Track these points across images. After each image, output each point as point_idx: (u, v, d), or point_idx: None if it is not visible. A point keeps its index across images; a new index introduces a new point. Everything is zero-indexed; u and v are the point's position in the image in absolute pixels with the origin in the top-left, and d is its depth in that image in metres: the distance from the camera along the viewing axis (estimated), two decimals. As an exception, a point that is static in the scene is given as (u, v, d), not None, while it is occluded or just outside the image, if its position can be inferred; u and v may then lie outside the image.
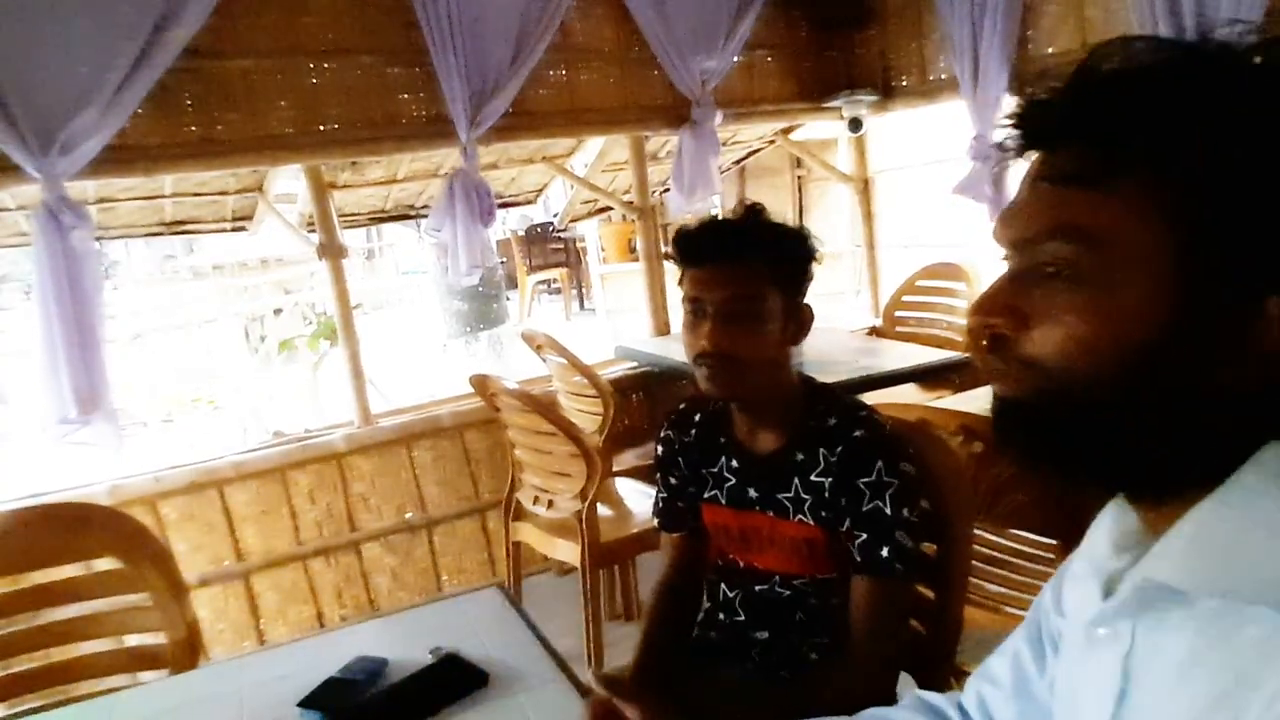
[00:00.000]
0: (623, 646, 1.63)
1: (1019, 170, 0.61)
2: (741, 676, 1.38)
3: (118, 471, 2.75)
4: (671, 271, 1.40)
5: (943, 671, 1.36)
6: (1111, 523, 0.65)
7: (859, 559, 1.25)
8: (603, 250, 7.73)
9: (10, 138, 2.24)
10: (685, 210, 3.46)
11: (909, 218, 5.32)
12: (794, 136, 4.37)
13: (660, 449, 1.49)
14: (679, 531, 1.49)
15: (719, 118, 3.35)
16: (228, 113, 2.62)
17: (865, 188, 4.05)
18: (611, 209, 4.52)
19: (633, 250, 6.28)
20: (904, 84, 3.59)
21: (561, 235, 9.36)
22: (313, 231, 3.02)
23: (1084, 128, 0.55)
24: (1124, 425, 0.55)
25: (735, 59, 3.38)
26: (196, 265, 11.07)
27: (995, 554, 1.94)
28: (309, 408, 6.07)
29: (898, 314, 3.69)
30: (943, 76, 3.40)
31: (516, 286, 9.42)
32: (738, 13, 3.28)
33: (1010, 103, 0.61)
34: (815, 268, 1.34)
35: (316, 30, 2.73)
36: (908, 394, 2.96)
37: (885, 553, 1.23)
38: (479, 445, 3.20)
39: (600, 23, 3.20)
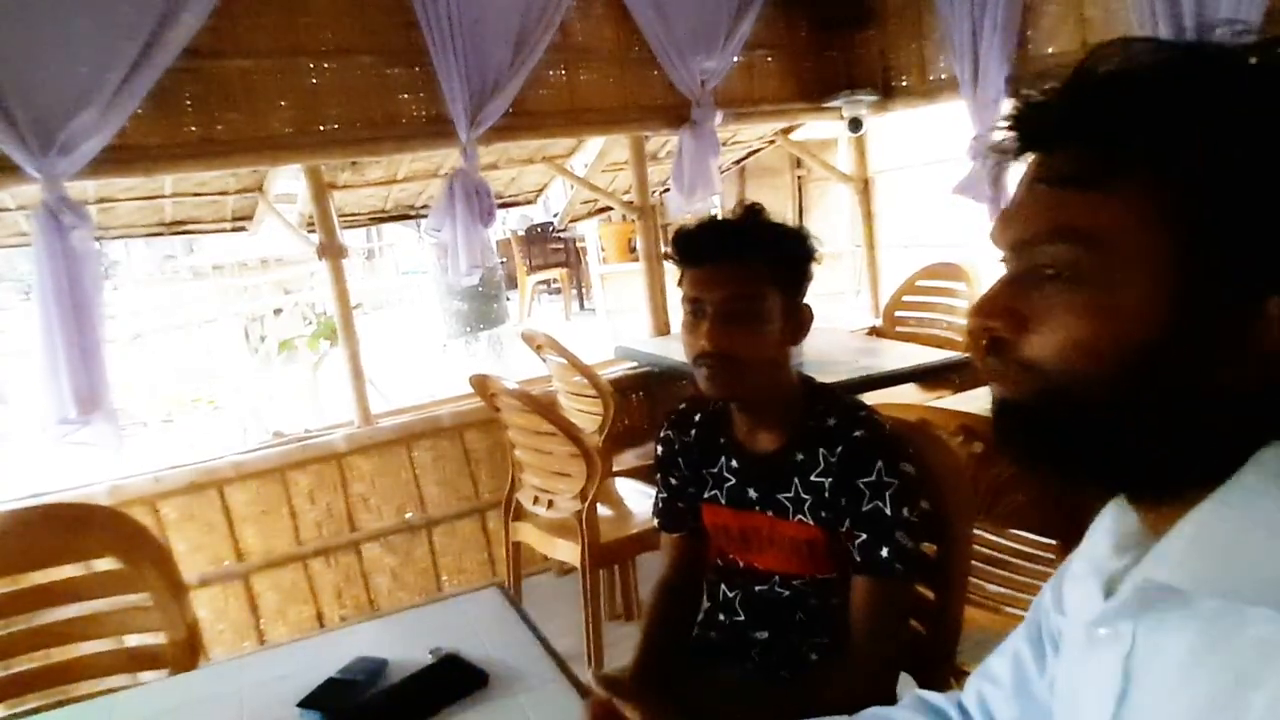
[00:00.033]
0: (623, 646, 1.63)
1: (1019, 170, 0.61)
2: (741, 676, 1.38)
3: (118, 471, 2.75)
4: (671, 271, 1.40)
5: (943, 671, 1.36)
6: (1112, 523, 0.65)
7: (859, 559, 1.25)
8: (603, 250, 7.74)
9: (10, 138, 2.24)
10: (685, 210, 3.46)
11: (909, 218, 5.32)
12: (794, 136, 4.37)
13: (660, 449, 1.49)
14: (679, 532, 1.49)
15: (719, 118, 3.35)
16: (228, 113, 2.62)
17: (865, 188, 4.05)
18: (611, 209, 4.52)
19: (633, 250, 6.28)
20: (904, 84, 3.59)
21: (561, 235, 9.36)
22: (313, 231, 3.02)
23: (1083, 129, 0.55)
24: (1124, 426, 0.55)
25: (735, 59, 3.38)
26: (196, 265, 11.07)
27: (995, 554, 1.94)
28: (309, 408, 6.07)
29: (898, 314, 3.69)
30: (943, 76, 3.40)
31: (516, 286, 9.43)
32: (738, 13, 3.28)
33: (1010, 103, 0.61)
34: (815, 268, 1.34)
35: (316, 30, 2.73)
36: (908, 394, 2.97)
37: (885, 553, 1.23)
38: (479, 445, 3.20)
39: (600, 23, 3.20)
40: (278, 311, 9.15)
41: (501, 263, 9.15)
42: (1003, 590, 1.86)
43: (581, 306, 9.77)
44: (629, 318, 5.63)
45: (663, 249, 3.53)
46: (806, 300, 1.35)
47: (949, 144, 4.06)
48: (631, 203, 3.60)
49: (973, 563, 1.62)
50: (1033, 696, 0.79)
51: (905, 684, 1.30)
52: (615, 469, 2.92)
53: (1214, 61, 0.53)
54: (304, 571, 2.97)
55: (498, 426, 2.80)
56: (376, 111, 2.82)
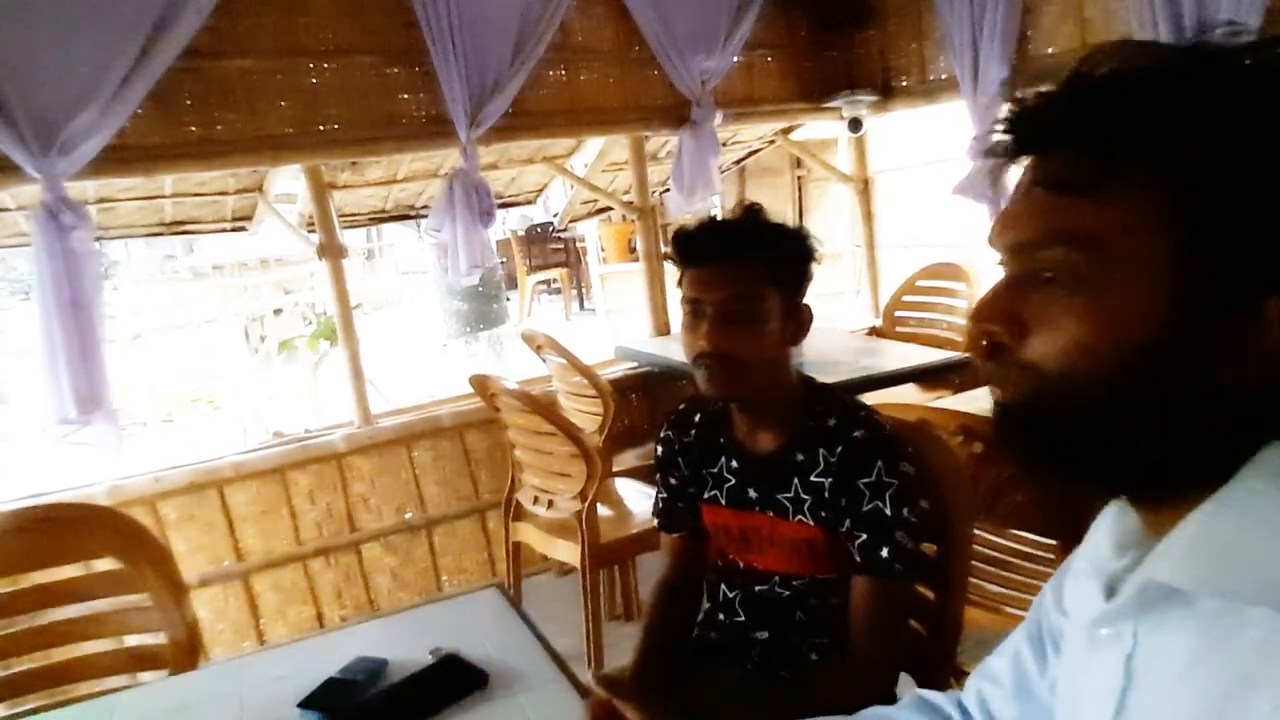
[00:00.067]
0: (623, 646, 1.62)
1: (1018, 170, 0.61)
2: (741, 677, 1.38)
3: (118, 471, 2.75)
4: (671, 272, 1.40)
5: (943, 671, 1.36)
6: (1113, 523, 0.65)
7: (859, 559, 1.25)
8: (603, 250, 7.74)
9: (10, 138, 2.23)
10: (685, 210, 3.46)
11: (909, 218, 5.32)
12: (794, 136, 4.37)
13: (660, 449, 1.49)
14: (679, 532, 1.49)
15: (719, 118, 3.35)
16: (228, 113, 2.62)
17: (865, 188, 4.05)
18: (611, 209, 4.52)
19: (633, 250, 6.28)
20: (904, 84, 3.59)
21: (561, 235, 9.36)
22: (313, 231, 3.02)
23: (1081, 130, 0.55)
24: (1125, 427, 0.55)
25: (735, 59, 3.38)
26: (196, 265, 11.07)
27: (995, 554, 1.94)
28: (309, 408, 6.07)
29: (898, 314, 3.69)
30: (943, 76, 3.40)
31: (516, 286, 9.43)
32: (737, 13, 3.28)
33: (1006, 105, 0.61)
34: (815, 268, 1.34)
35: (316, 30, 2.73)
36: (908, 394, 2.97)
37: (885, 553, 1.23)
38: (479, 445, 3.20)
39: (600, 23, 3.20)
40: (278, 311, 9.16)
41: (501, 263, 9.15)
42: (1003, 590, 1.86)
43: (581, 306, 9.77)
44: (629, 318, 5.63)
45: (662, 249, 3.54)
46: (806, 300, 1.35)
47: (949, 144, 4.06)
48: (631, 203, 3.60)
49: (973, 563, 1.62)
50: (1033, 696, 0.79)
51: (905, 684, 1.30)
52: (615, 469, 2.92)
53: (1213, 62, 0.53)
54: (304, 571, 2.97)
55: (498, 426, 2.80)
56: (376, 111, 2.82)
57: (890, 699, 1.22)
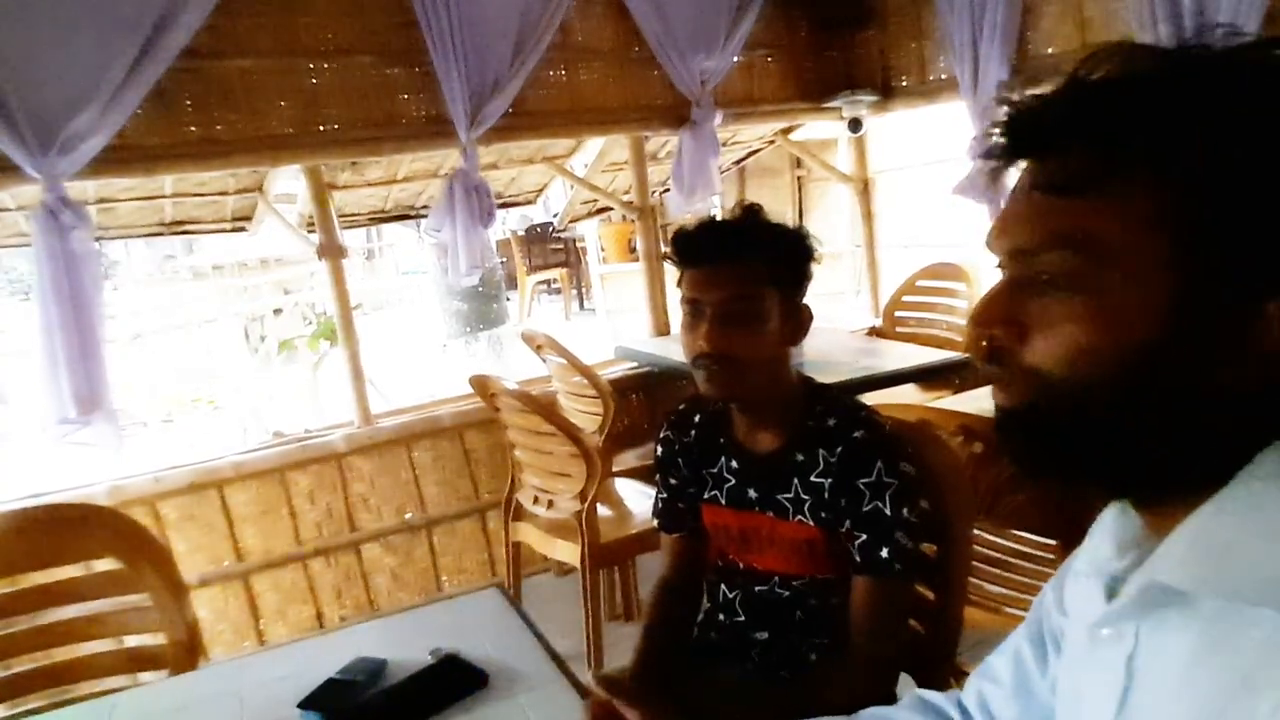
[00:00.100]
0: (623, 646, 1.62)
1: (1018, 170, 0.61)
2: (741, 677, 1.38)
3: (118, 471, 2.75)
4: (671, 272, 1.40)
5: (943, 671, 1.36)
6: (1113, 524, 0.65)
7: (859, 559, 1.25)
8: (603, 250, 7.73)
9: (10, 138, 2.23)
10: (685, 210, 3.46)
11: (909, 218, 5.32)
12: (794, 136, 4.37)
13: (660, 449, 1.49)
14: (679, 532, 1.49)
15: (719, 118, 3.35)
16: (228, 113, 2.62)
17: (865, 188, 4.05)
18: (611, 209, 4.52)
19: (633, 250, 6.28)
20: (904, 84, 3.59)
21: (561, 235, 9.36)
22: (313, 231, 3.02)
23: (1081, 131, 0.55)
24: (1126, 428, 0.55)
25: (735, 59, 3.38)
26: (196, 265, 11.08)
27: (995, 554, 1.94)
28: (309, 408, 6.07)
29: (898, 314, 3.69)
30: (943, 76, 3.40)
31: (516, 286, 9.43)
32: (737, 13, 3.28)
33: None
34: (815, 268, 1.34)
35: (316, 30, 2.73)
36: (908, 394, 2.97)
37: (885, 553, 1.23)
38: (479, 445, 3.20)
39: (600, 23, 3.20)
40: (278, 311, 9.16)
41: (501, 263, 9.15)
42: (1003, 590, 1.86)
43: (581, 306, 9.77)
44: (629, 318, 5.63)
45: (662, 249, 3.54)
46: (806, 300, 1.35)
47: (949, 144, 4.06)
48: (631, 203, 3.60)
49: (973, 563, 1.62)
50: (1034, 696, 0.79)
51: (905, 684, 1.30)
52: (615, 469, 2.92)
53: (1213, 62, 0.53)
54: (304, 572, 2.97)
55: (498, 427, 2.80)
56: (376, 111, 2.82)
57: (890, 699, 1.22)
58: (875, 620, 1.25)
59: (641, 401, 3.44)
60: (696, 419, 1.45)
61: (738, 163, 4.81)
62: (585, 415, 2.95)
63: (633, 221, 3.86)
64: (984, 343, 0.59)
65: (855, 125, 3.67)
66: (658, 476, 1.51)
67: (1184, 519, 0.55)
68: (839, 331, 3.61)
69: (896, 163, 5.02)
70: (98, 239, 2.80)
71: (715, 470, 1.41)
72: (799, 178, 6.76)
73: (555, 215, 7.12)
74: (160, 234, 3.52)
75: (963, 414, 1.73)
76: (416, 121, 2.89)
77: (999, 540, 1.94)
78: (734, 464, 1.38)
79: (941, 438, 1.47)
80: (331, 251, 2.92)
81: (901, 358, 2.89)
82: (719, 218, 1.38)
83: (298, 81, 2.71)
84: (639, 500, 2.68)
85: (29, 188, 2.38)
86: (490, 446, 3.18)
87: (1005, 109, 0.58)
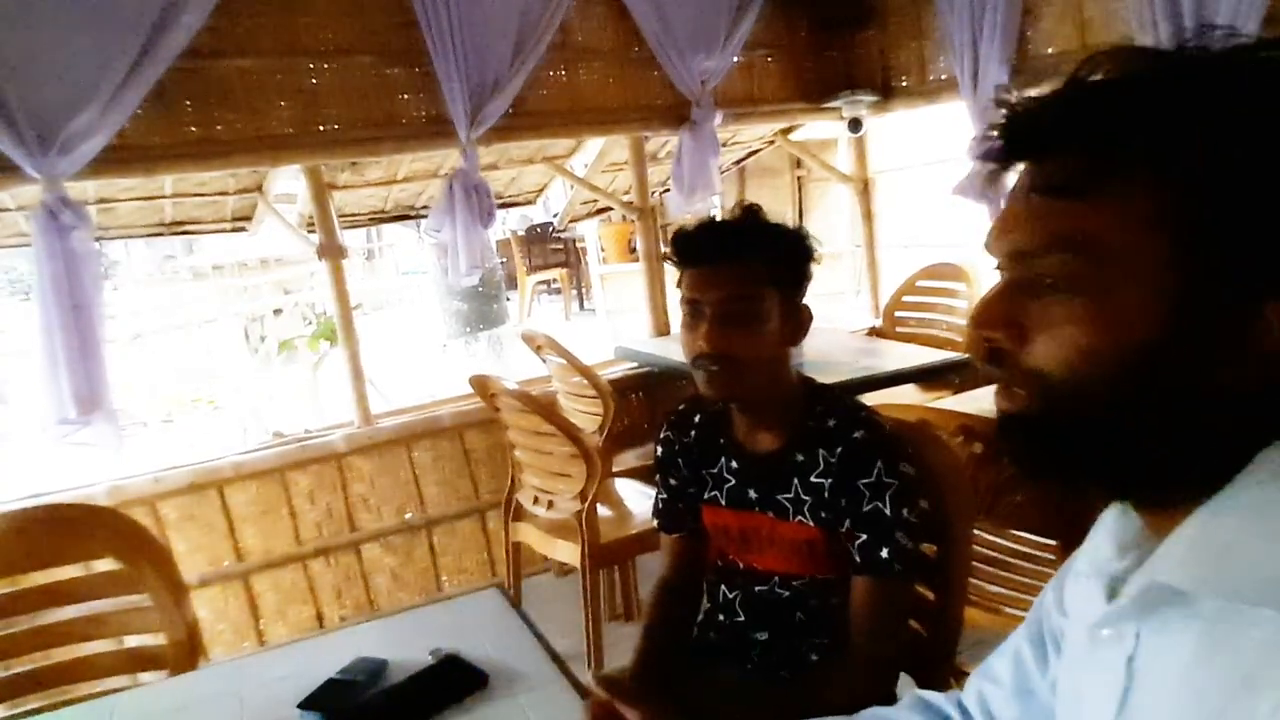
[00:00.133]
0: (623, 647, 1.62)
1: (1018, 170, 0.61)
2: (741, 677, 1.38)
3: (118, 472, 2.75)
4: (671, 272, 1.40)
5: (943, 672, 1.36)
6: (1114, 524, 0.65)
7: (859, 560, 1.25)
8: (602, 250, 7.73)
9: (10, 138, 2.23)
10: (685, 210, 3.46)
11: (909, 218, 5.32)
12: (794, 137, 4.37)
13: (660, 450, 1.49)
14: (679, 532, 1.49)
15: (719, 118, 3.35)
16: (228, 113, 2.62)
17: (865, 188, 4.05)
18: (611, 209, 4.52)
19: (632, 250, 6.28)
20: (904, 84, 3.59)
21: (561, 235, 9.36)
22: (313, 232, 3.02)
23: (1080, 132, 0.55)
24: (1126, 429, 0.55)
25: (735, 59, 3.38)
26: (196, 265, 11.08)
27: (995, 554, 1.94)
28: (309, 408, 6.07)
29: (898, 314, 3.69)
30: (943, 77, 3.40)
31: (516, 287, 9.43)
32: (737, 13, 3.27)
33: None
34: (815, 268, 1.34)
35: (316, 30, 2.73)
36: (908, 394, 2.97)
37: (885, 553, 1.23)
38: (479, 445, 3.20)
39: (600, 23, 3.20)
40: (278, 311, 9.16)
41: (501, 263, 9.15)
42: (1003, 590, 1.86)
43: (581, 307, 9.77)
44: (629, 318, 5.63)
45: (662, 249, 3.54)
46: (806, 300, 1.35)
47: (949, 144, 4.06)
48: (631, 203, 3.60)
49: (973, 563, 1.62)
50: (1034, 696, 0.79)
51: (905, 684, 1.30)
52: (615, 469, 2.92)
53: (1212, 63, 0.53)
54: (304, 572, 2.97)
55: (498, 427, 2.80)
56: (376, 111, 2.82)
57: (890, 699, 1.22)
58: (875, 620, 1.25)
59: (641, 401, 3.44)
60: (696, 419, 1.45)
61: (738, 163, 4.81)
62: (585, 415, 2.95)
63: (633, 221, 3.86)
64: (984, 344, 0.59)
65: (855, 125, 3.67)
66: (658, 477, 1.51)
67: (1184, 519, 0.55)
68: (839, 331, 3.61)
69: (896, 163, 5.02)
70: (98, 239, 2.80)
71: (715, 470, 1.41)
72: (799, 178, 6.77)
73: (555, 215, 7.12)
74: (160, 234, 3.52)
75: (963, 414, 1.73)
76: (416, 121, 2.89)
77: (999, 540, 1.94)
78: (734, 464, 1.38)
79: (941, 438, 1.47)
80: (331, 252, 2.92)
81: (901, 358, 2.89)
82: (719, 218, 1.38)
83: (298, 81, 2.71)
84: (639, 500, 2.68)
85: (29, 188, 2.38)
86: (490, 446, 3.18)
87: (1003, 111, 0.58)
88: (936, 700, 0.90)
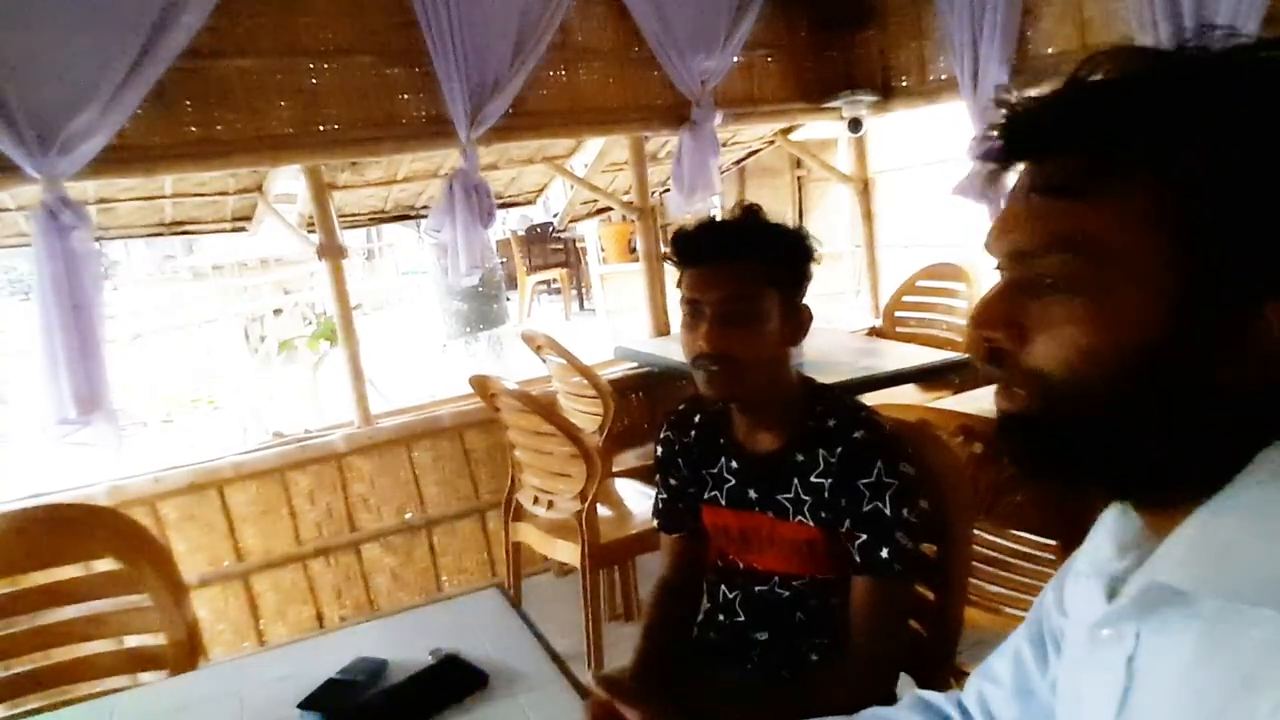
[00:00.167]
0: (623, 647, 1.62)
1: (1018, 169, 0.61)
2: (741, 677, 1.38)
3: (117, 472, 2.75)
4: (671, 272, 1.40)
5: (943, 672, 1.36)
6: (1114, 525, 0.65)
7: (859, 560, 1.25)
8: (602, 250, 7.73)
9: (10, 138, 2.23)
10: (685, 210, 3.46)
11: (909, 218, 5.32)
12: (794, 137, 4.37)
13: (660, 450, 1.49)
14: (679, 533, 1.49)
15: (719, 118, 3.35)
16: (228, 113, 2.62)
17: (865, 188, 4.05)
18: (611, 209, 4.52)
19: (633, 250, 6.28)
20: (904, 84, 3.59)
21: (561, 235, 9.36)
22: (313, 232, 3.02)
23: (1080, 132, 0.55)
24: (1126, 428, 0.55)
25: (735, 59, 3.38)
26: (196, 265, 11.08)
27: (995, 554, 1.94)
28: (309, 408, 6.07)
29: (898, 314, 3.69)
30: (943, 77, 3.40)
31: (516, 287, 9.43)
32: (737, 13, 3.28)
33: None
34: (815, 268, 1.34)
35: (316, 30, 2.73)
36: (908, 394, 2.96)
37: (885, 553, 1.23)
38: (479, 445, 3.20)
39: (600, 23, 3.20)
40: (278, 311, 9.16)
41: (501, 263, 9.15)
42: (1003, 590, 1.86)
43: (581, 307, 9.77)
44: (629, 318, 5.63)
45: (662, 249, 3.54)
46: (806, 300, 1.35)
47: (949, 144, 4.06)
48: (631, 203, 3.60)
49: (973, 563, 1.62)
50: (1034, 697, 0.79)
51: (905, 684, 1.30)
52: (615, 469, 2.92)
53: (1212, 63, 0.53)
54: (304, 572, 2.97)
55: (498, 427, 2.80)
56: (376, 111, 2.82)
57: (890, 699, 1.22)
58: (875, 620, 1.25)
59: (641, 401, 3.44)
60: (696, 419, 1.45)
61: (738, 163, 4.81)
62: (585, 415, 2.95)
63: (633, 221, 3.86)
64: (984, 344, 0.59)
65: (855, 125, 3.67)
66: (658, 477, 1.51)
67: (1184, 519, 0.55)
68: (839, 331, 3.61)
69: (896, 163, 5.02)
70: (98, 239, 2.80)
71: (715, 470, 1.41)
72: (799, 178, 6.77)
73: (555, 215, 7.12)
74: (160, 234, 3.52)
75: (963, 414, 1.73)
76: (416, 121, 2.89)
77: (999, 540, 1.94)
78: (734, 464, 1.38)
79: (941, 438, 1.47)
80: (331, 252, 2.92)
81: (901, 358, 2.89)
82: (719, 218, 1.38)
83: (298, 81, 2.71)
84: (639, 500, 2.68)
85: (29, 188, 2.38)
86: (490, 446, 3.18)
87: (1003, 111, 0.58)
88: (936, 700, 0.90)
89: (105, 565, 1.58)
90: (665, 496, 1.49)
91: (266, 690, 1.25)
